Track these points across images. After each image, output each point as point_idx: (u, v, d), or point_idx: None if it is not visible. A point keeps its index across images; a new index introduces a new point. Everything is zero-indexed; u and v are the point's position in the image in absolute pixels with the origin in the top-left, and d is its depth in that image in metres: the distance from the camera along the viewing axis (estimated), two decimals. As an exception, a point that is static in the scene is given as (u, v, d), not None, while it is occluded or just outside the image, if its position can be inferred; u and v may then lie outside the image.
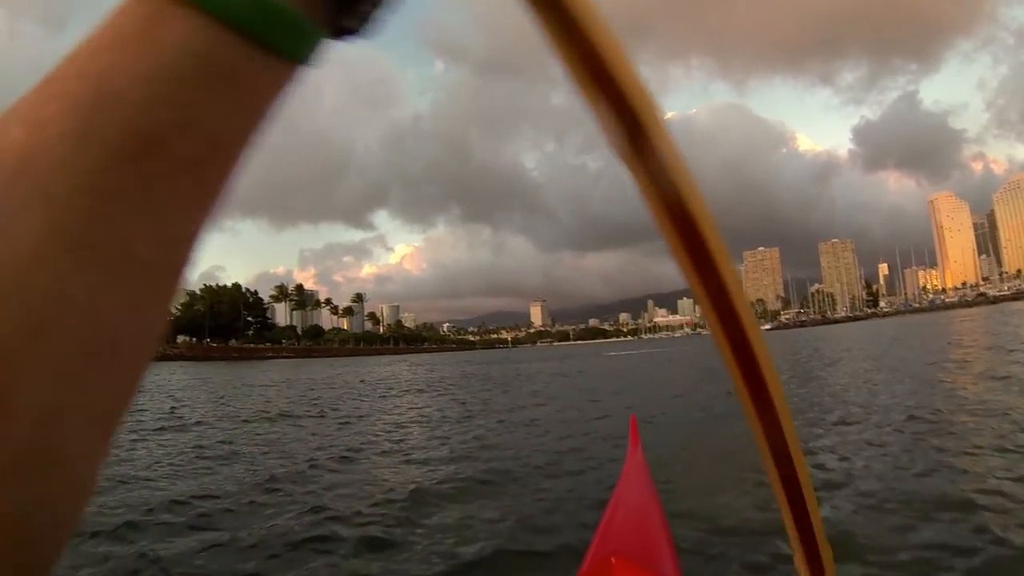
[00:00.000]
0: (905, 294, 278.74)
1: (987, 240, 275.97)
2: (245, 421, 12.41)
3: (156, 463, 7.58)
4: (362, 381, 27.64)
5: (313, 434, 10.19)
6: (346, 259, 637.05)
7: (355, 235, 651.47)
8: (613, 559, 1.35)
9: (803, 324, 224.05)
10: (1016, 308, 73.68)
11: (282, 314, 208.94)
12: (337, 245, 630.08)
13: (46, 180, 0.21)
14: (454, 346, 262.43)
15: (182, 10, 0.24)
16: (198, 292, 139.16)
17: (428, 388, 21.61)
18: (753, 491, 4.78)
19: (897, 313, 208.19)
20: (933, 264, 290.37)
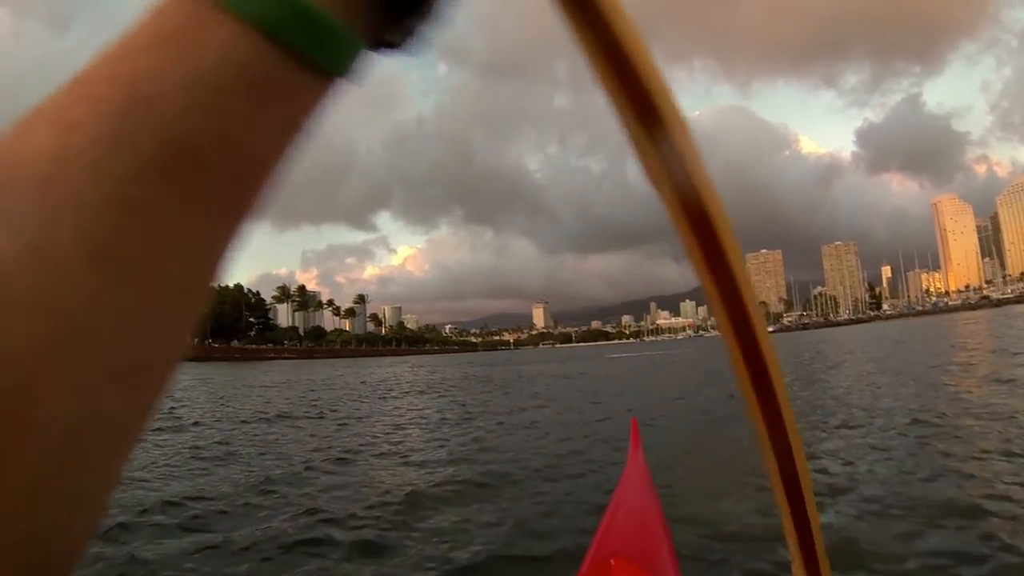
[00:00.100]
0: (908, 297, 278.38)
1: (990, 243, 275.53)
2: (243, 422, 12.36)
3: (152, 463, 7.51)
4: (363, 382, 27.59)
5: (311, 435, 10.14)
6: (348, 260, 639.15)
7: (357, 236, 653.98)
8: (612, 560, 1.35)
9: (806, 327, 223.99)
10: (1020, 311, 73.49)
11: (284, 315, 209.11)
12: (339, 246, 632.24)
13: (76, 188, 0.20)
14: (456, 348, 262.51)
15: (222, 16, 0.23)
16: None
17: (428, 389, 21.56)
18: (753, 495, 4.71)
19: (900, 316, 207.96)
20: (936, 267, 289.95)
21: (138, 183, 0.21)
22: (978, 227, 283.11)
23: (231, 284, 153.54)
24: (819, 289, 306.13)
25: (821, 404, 10.00)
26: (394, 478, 6.51)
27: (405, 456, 7.84)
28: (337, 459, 7.63)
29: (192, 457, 8.02)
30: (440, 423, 11.36)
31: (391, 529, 4.66)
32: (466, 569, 3.87)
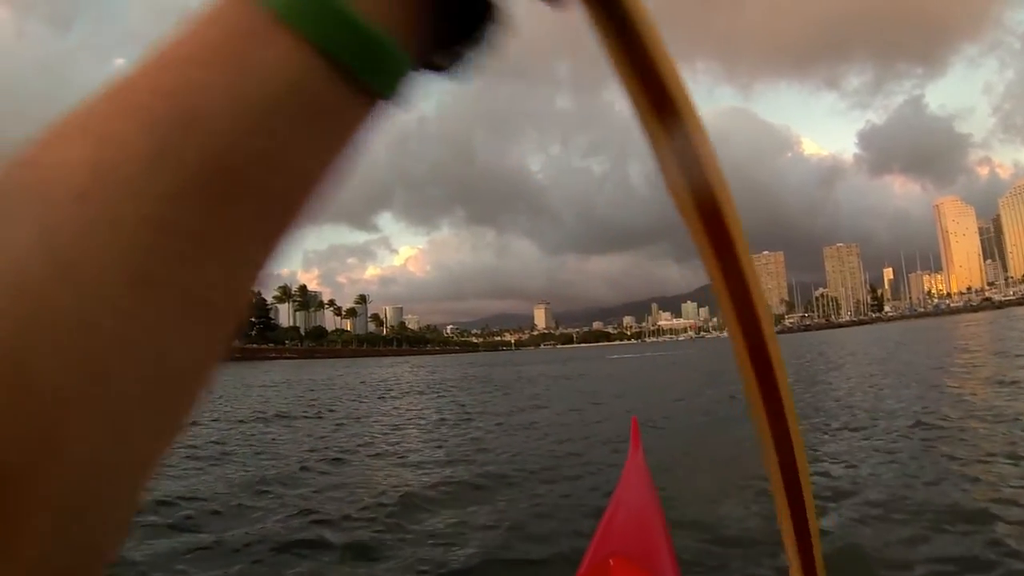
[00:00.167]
0: (910, 299, 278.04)
1: (993, 245, 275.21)
2: (240, 421, 12.30)
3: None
4: (362, 382, 27.56)
5: (308, 435, 10.08)
6: (350, 260, 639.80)
7: (359, 237, 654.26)
8: (611, 560, 1.35)
9: (807, 328, 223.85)
10: (1022, 313, 73.36)
11: (285, 315, 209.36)
12: (341, 247, 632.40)
13: (114, 205, 0.19)
14: (457, 348, 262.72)
15: (279, 31, 0.22)
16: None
17: (428, 390, 21.50)
18: (753, 498, 4.64)
19: (902, 318, 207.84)
20: (938, 269, 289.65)
21: (179, 203, 0.20)
22: (980, 229, 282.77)
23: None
24: (821, 291, 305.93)
25: (823, 405, 9.91)
26: (390, 479, 6.44)
27: (402, 456, 7.77)
28: (333, 459, 7.56)
29: (187, 456, 7.92)
30: (438, 423, 11.30)
31: (385, 531, 4.60)
32: (464, 571, 3.82)
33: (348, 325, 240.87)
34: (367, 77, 0.24)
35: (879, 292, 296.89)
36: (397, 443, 8.95)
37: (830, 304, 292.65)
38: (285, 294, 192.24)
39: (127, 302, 0.19)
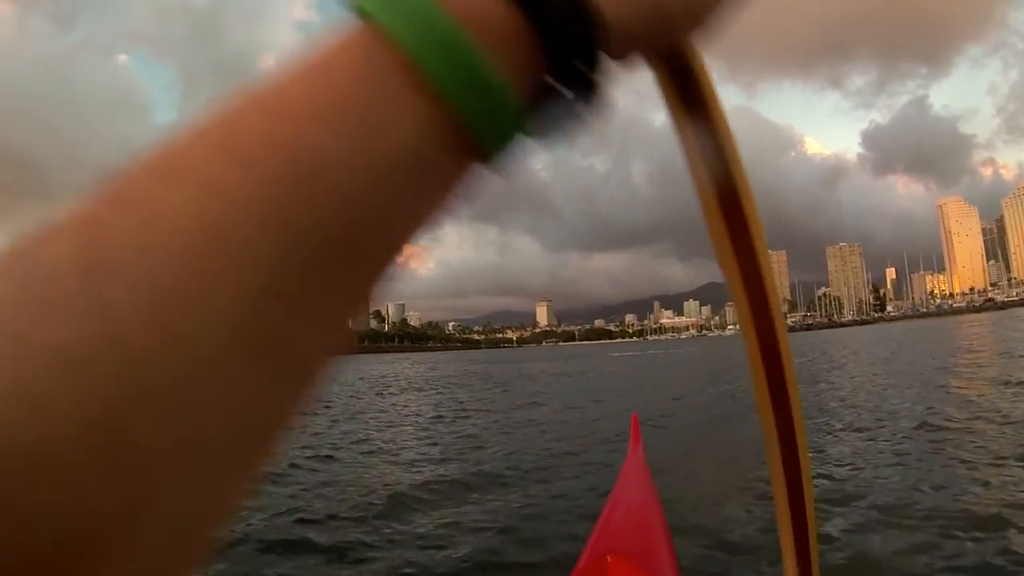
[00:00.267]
0: (912, 299, 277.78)
1: (996, 245, 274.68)
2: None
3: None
4: (361, 378, 27.45)
5: (300, 432, 9.89)
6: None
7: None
8: (609, 557, 1.34)
9: (810, 327, 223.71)
10: (1025, 314, 73.12)
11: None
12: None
13: (224, 268, 0.18)
14: (459, 345, 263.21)
15: (412, 81, 0.22)
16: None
17: (427, 386, 21.42)
18: (752, 500, 4.54)
19: (904, 318, 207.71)
20: (941, 269, 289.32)
21: (286, 267, 0.19)
22: (983, 229, 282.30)
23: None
24: (823, 290, 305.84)
25: (826, 405, 9.79)
26: (383, 477, 6.34)
27: (395, 454, 7.67)
28: (324, 456, 7.44)
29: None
30: (434, 420, 11.20)
31: (375, 530, 4.49)
32: (457, 571, 3.76)
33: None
34: (488, 138, 0.24)
35: (882, 292, 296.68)
36: (391, 440, 8.86)
37: (832, 303, 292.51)
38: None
39: (226, 366, 0.18)
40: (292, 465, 6.79)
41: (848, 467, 5.60)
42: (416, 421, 11.21)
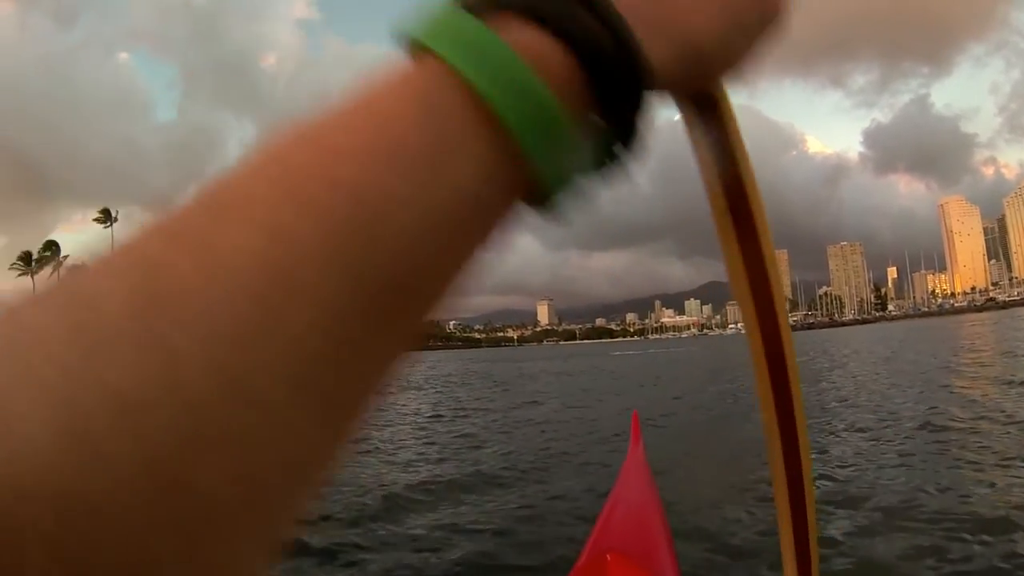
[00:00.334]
0: (914, 298, 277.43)
1: (997, 245, 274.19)
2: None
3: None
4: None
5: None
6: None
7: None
8: (609, 556, 1.33)
9: (811, 326, 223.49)
10: (1027, 313, 72.91)
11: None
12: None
13: (286, 312, 0.18)
14: (460, 344, 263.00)
15: (483, 120, 0.21)
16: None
17: (426, 385, 21.37)
18: (752, 502, 4.48)
19: (906, 317, 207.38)
20: (942, 268, 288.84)
21: (351, 315, 0.19)
22: (985, 229, 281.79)
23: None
24: (824, 289, 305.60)
25: (828, 405, 9.72)
26: (377, 477, 6.27)
27: (392, 454, 7.60)
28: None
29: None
30: (432, 420, 11.14)
31: (369, 532, 4.43)
32: (456, 573, 3.73)
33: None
34: (548, 180, 0.23)
35: (883, 291, 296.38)
36: (388, 439, 8.76)
37: (834, 303, 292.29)
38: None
39: (283, 410, 0.18)
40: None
41: (851, 468, 5.54)
42: (414, 420, 11.14)
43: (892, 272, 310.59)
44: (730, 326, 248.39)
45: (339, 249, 0.19)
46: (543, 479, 5.89)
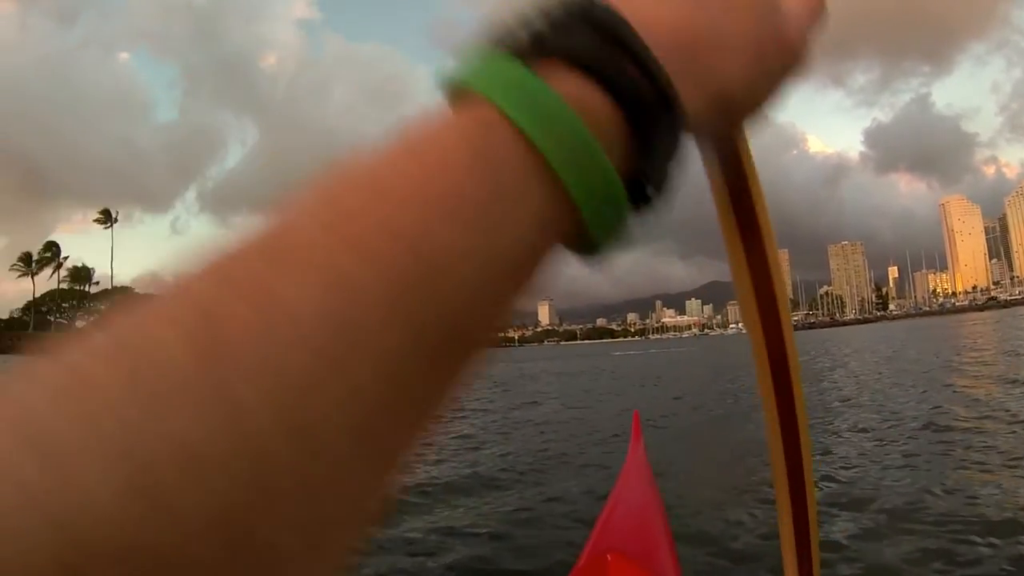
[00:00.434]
0: (915, 297, 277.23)
1: (998, 244, 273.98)
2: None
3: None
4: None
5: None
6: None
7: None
8: (609, 556, 1.33)
9: (812, 326, 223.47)
10: (1029, 312, 72.85)
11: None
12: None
13: (349, 362, 0.18)
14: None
15: (535, 174, 0.22)
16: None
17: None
18: (753, 503, 4.43)
19: (907, 316, 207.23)
20: (943, 268, 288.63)
21: (413, 365, 0.19)
22: (986, 228, 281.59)
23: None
24: (825, 289, 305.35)
25: (830, 405, 9.66)
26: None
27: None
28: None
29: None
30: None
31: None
32: (457, 571, 3.72)
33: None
34: (596, 230, 0.24)
35: (884, 290, 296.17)
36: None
37: (835, 302, 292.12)
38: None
39: (348, 458, 0.18)
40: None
41: (855, 469, 5.47)
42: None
43: (893, 271, 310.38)
44: (731, 326, 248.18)
45: (401, 301, 0.19)
46: (542, 481, 5.82)
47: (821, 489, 4.71)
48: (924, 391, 10.35)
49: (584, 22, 0.23)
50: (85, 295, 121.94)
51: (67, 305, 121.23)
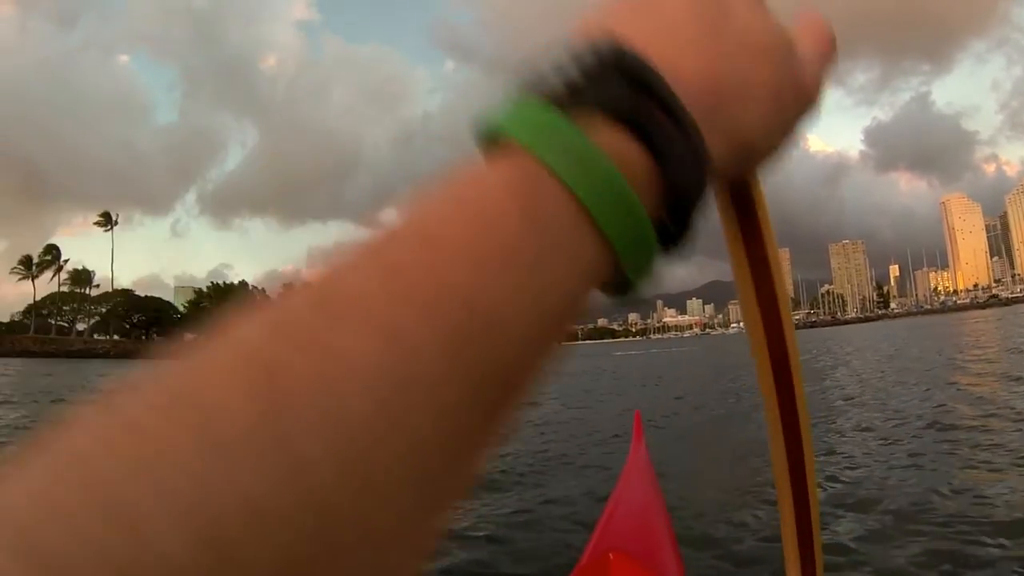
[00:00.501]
0: (916, 295, 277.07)
1: (999, 242, 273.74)
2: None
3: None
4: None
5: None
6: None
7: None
8: (611, 555, 1.33)
9: (813, 325, 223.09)
10: (1030, 310, 72.69)
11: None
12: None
13: (408, 414, 0.18)
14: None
15: (579, 228, 0.22)
16: (205, 290, 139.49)
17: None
18: (754, 504, 4.37)
19: (908, 314, 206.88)
20: (944, 266, 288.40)
21: (470, 416, 0.19)
22: (987, 226, 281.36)
23: (235, 281, 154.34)
24: (826, 287, 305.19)
25: (832, 404, 9.59)
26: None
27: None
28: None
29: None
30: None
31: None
32: (459, 569, 3.71)
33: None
34: (632, 280, 0.25)
35: (885, 289, 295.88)
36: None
37: (836, 301, 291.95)
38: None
39: (409, 509, 0.18)
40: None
41: (859, 469, 5.40)
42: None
43: (894, 270, 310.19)
44: (732, 325, 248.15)
45: (458, 354, 0.19)
46: (542, 482, 5.76)
47: (825, 489, 4.64)
48: (928, 389, 10.25)
49: (616, 71, 0.24)
50: (86, 298, 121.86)
51: (68, 308, 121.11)
